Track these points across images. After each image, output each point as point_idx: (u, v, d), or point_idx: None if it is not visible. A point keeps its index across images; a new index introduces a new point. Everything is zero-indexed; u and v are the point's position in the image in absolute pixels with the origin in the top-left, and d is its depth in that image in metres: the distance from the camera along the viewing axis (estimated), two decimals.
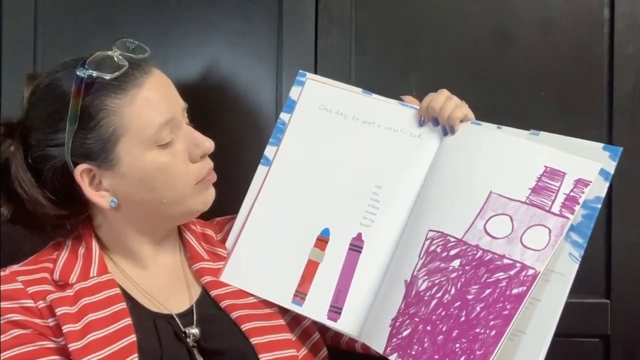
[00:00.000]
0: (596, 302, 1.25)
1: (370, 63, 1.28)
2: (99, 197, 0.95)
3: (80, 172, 0.93)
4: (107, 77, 0.91)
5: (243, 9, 1.27)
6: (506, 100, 1.21)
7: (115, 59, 0.93)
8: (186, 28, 1.26)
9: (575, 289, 0.91)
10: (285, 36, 1.26)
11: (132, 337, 0.91)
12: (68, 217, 0.98)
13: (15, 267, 0.97)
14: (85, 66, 0.91)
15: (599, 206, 0.92)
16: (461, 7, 1.28)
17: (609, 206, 1.24)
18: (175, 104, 0.97)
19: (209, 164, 1.00)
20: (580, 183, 0.92)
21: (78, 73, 0.91)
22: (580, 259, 0.90)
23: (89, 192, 0.94)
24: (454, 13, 1.28)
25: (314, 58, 1.27)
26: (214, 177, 1.02)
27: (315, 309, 1.02)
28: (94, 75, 0.91)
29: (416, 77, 1.24)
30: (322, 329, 1.07)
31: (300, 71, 1.13)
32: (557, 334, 0.89)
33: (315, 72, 1.25)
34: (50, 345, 0.90)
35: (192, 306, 0.99)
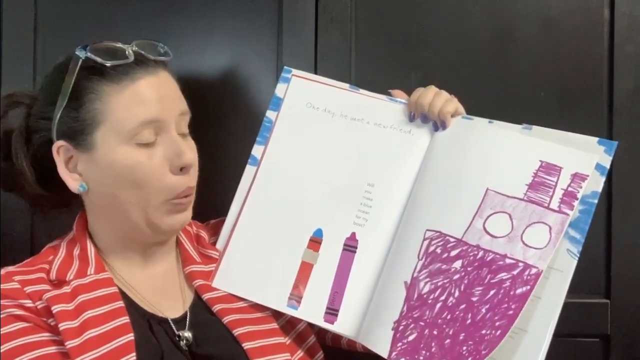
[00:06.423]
0: (596, 302, 1.25)
1: (370, 63, 1.27)
2: (71, 179, 0.95)
3: (58, 148, 0.94)
4: (108, 64, 0.92)
5: (243, 9, 1.25)
6: (506, 100, 1.21)
7: (126, 52, 0.93)
8: (186, 28, 1.24)
9: (575, 289, 0.91)
10: (285, 36, 1.25)
11: (130, 336, 0.89)
12: (46, 200, 1.00)
13: (10, 268, 0.95)
14: (87, 49, 0.93)
15: (596, 201, 0.91)
16: (461, 7, 1.27)
17: (609, 206, 1.24)
18: (169, 107, 0.94)
19: (189, 182, 0.95)
20: (577, 177, 0.91)
21: (77, 52, 0.93)
22: (578, 255, 0.89)
23: (62, 169, 0.95)
24: (454, 13, 1.28)
25: (314, 58, 1.25)
26: (188, 201, 0.97)
27: (311, 311, 1.00)
28: (91, 57, 0.92)
29: (416, 77, 1.24)
30: (321, 330, 1.06)
31: (285, 67, 1.10)
32: (557, 334, 0.89)
33: (315, 72, 1.22)
34: (51, 338, 0.88)
35: (186, 312, 0.97)
